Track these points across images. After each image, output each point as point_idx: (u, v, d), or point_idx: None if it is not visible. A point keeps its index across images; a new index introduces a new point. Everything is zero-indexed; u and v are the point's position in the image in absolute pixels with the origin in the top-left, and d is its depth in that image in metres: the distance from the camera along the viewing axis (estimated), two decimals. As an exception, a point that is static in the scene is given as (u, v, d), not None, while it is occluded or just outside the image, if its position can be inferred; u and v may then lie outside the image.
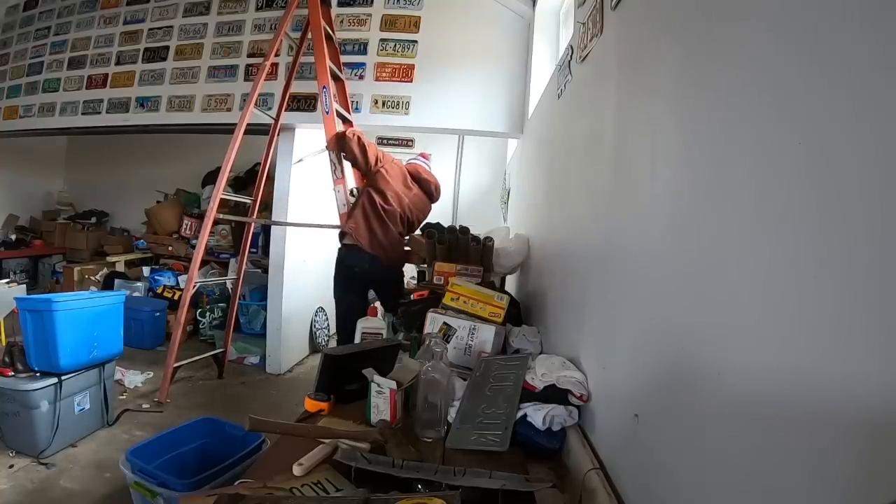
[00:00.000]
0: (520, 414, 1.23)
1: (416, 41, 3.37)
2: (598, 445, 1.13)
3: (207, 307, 4.23)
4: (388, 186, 2.60)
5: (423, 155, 2.99)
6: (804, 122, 0.54)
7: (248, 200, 3.57)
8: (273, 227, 3.71)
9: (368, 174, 2.67)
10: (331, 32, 3.19)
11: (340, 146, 2.74)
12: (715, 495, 0.66)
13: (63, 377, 2.26)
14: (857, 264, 0.46)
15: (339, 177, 2.85)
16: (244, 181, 4.51)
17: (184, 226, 4.78)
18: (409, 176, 2.75)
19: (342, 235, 2.64)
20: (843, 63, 0.49)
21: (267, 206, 3.85)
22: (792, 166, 0.56)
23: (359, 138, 2.65)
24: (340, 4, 3.48)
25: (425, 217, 2.84)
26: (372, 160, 2.63)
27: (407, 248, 2.75)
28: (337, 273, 2.63)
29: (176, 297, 4.18)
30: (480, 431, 1.20)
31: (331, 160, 2.85)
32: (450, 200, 4.72)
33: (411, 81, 3.36)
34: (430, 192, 2.82)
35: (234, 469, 1.69)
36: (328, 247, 3.91)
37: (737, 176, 0.67)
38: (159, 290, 4.42)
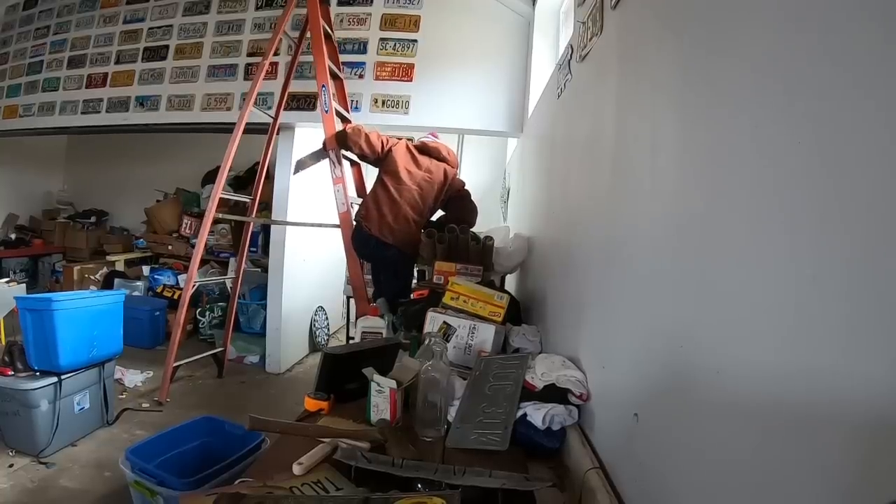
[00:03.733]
0: (520, 413, 1.23)
1: (415, 40, 3.37)
2: (598, 445, 1.13)
3: (207, 306, 4.23)
4: (399, 165, 2.56)
5: (432, 134, 2.89)
6: (806, 122, 0.54)
7: (247, 199, 3.57)
8: (273, 227, 3.70)
9: (380, 161, 2.62)
10: (330, 31, 3.18)
11: (343, 144, 2.70)
12: (715, 494, 0.66)
13: (63, 376, 2.26)
14: (858, 264, 0.46)
15: (338, 176, 2.84)
16: (244, 180, 4.51)
17: (183, 225, 4.78)
18: (416, 150, 2.68)
19: (356, 223, 2.63)
20: (848, 62, 0.49)
21: (267, 206, 3.85)
22: (793, 166, 0.56)
23: (359, 129, 2.61)
24: (340, 3, 3.48)
25: (446, 184, 2.70)
26: (378, 145, 2.59)
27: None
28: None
29: (175, 297, 4.18)
30: (480, 430, 1.20)
31: (330, 159, 2.84)
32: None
33: (411, 81, 3.36)
34: (440, 158, 2.70)
35: (233, 468, 1.69)
36: (328, 246, 3.93)
37: (737, 175, 0.67)
38: (159, 290, 4.43)
